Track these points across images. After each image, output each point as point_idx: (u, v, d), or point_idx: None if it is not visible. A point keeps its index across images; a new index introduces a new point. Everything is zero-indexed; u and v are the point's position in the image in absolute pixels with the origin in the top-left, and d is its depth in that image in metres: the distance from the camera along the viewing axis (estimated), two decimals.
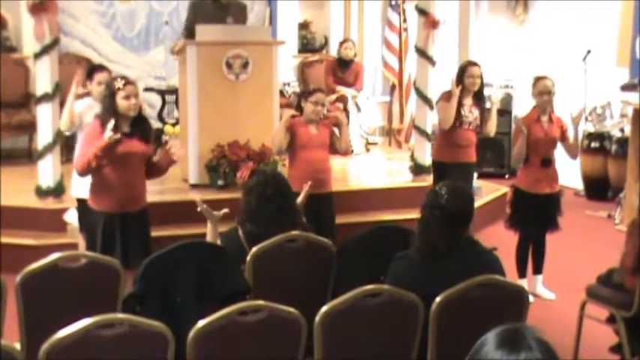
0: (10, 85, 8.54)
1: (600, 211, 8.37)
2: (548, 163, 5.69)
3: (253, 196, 4.06)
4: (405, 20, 9.85)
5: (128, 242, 4.68)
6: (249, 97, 6.84)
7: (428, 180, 7.04)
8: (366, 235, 4.14)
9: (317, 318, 3.09)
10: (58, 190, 6.42)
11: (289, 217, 4.11)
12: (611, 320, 4.54)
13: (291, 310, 3.06)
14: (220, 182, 6.66)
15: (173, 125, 8.98)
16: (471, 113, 6.09)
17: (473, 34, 7.96)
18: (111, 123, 4.49)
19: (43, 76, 6.38)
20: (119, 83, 4.63)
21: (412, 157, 7.58)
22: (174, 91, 8.69)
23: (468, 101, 6.10)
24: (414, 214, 3.65)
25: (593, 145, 8.85)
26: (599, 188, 8.89)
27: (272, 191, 4.06)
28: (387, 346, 3.28)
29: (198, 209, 4.33)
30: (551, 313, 5.51)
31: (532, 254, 5.87)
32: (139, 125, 4.70)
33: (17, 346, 3.23)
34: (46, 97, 6.34)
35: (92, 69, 5.70)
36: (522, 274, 5.82)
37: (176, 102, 8.66)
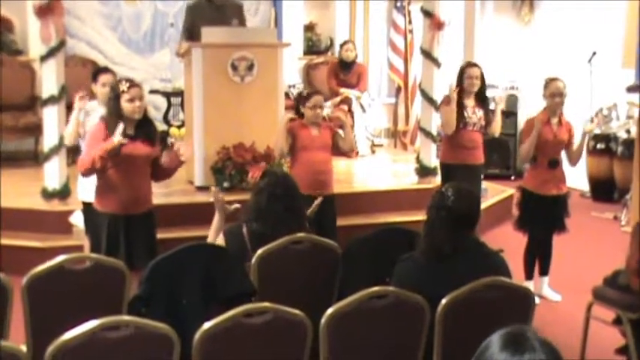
0: (17, 87, 8.56)
1: (606, 213, 8.35)
2: (555, 164, 5.68)
3: (263, 196, 4.06)
4: (410, 22, 9.87)
5: (133, 244, 4.68)
6: (255, 99, 6.84)
7: (433, 182, 7.05)
8: (371, 237, 4.14)
9: (322, 320, 3.09)
10: (64, 193, 6.43)
11: (296, 218, 4.12)
12: (617, 322, 4.53)
13: (297, 312, 3.06)
14: (226, 184, 6.66)
15: (178, 127, 8.98)
16: (475, 114, 6.07)
17: (478, 35, 7.94)
18: (120, 127, 4.49)
19: (49, 79, 6.40)
20: (124, 86, 4.63)
21: (418, 159, 7.57)
22: (179, 93, 8.69)
23: (471, 102, 6.09)
24: (420, 216, 3.64)
25: (599, 146, 8.84)
26: (605, 190, 8.88)
27: (282, 191, 4.07)
28: (392, 348, 3.28)
29: (211, 199, 4.35)
30: (558, 314, 5.50)
31: (539, 256, 5.86)
32: (143, 128, 4.70)
33: (23, 348, 3.23)
34: (52, 100, 6.36)
35: (96, 71, 5.71)
36: (529, 275, 5.80)
37: (181, 104, 8.67)
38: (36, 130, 8.12)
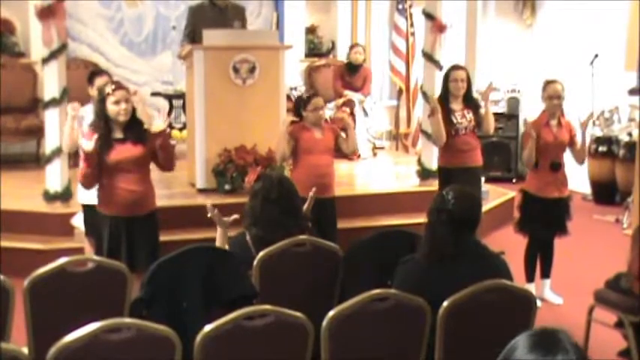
0: (18, 89, 8.58)
1: (608, 216, 8.35)
2: (557, 167, 5.67)
3: (258, 200, 4.07)
4: (412, 25, 9.87)
5: (134, 246, 4.68)
6: (256, 101, 6.84)
7: (435, 184, 7.01)
8: (372, 240, 4.13)
9: (324, 322, 3.09)
10: (66, 195, 6.44)
11: (294, 220, 4.11)
12: (619, 325, 4.52)
13: (298, 314, 3.06)
14: (227, 187, 6.66)
15: (180, 130, 9.00)
16: (464, 118, 5.96)
17: (480, 37, 7.94)
18: (92, 140, 4.50)
19: (50, 81, 6.41)
20: (109, 88, 4.63)
21: (419, 162, 7.58)
22: (181, 95, 8.71)
23: (458, 106, 5.98)
24: (421, 219, 3.64)
25: (600, 149, 8.84)
26: (606, 192, 8.88)
27: (276, 195, 4.05)
28: (394, 351, 3.28)
29: (209, 215, 4.34)
30: (559, 317, 5.49)
31: (540, 258, 5.85)
32: (132, 129, 4.67)
33: (25, 350, 3.24)
34: (53, 102, 6.37)
35: (92, 74, 5.71)
36: (530, 278, 5.80)
37: (183, 107, 8.68)
38: (38, 132, 8.13)
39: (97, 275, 3.72)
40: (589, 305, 4.70)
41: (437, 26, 7.31)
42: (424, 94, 7.48)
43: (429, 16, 7.36)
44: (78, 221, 5.83)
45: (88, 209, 5.22)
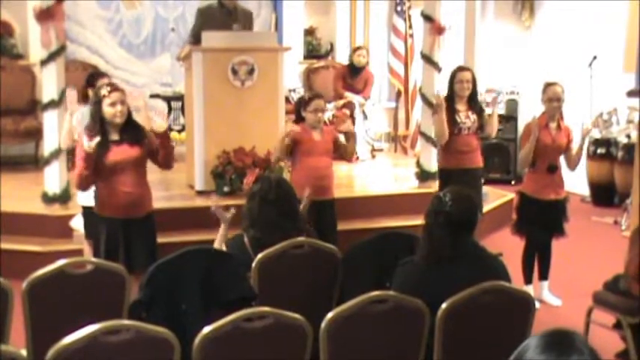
0: (17, 91, 8.58)
1: (606, 217, 8.35)
2: (554, 169, 5.68)
3: (256, 202, 4.07)
4: (410, 26, 9.88)
5: (131, 248, 4.67)
6: (255, 103, 6.84)
7: (434, 186, 7.04)
8: (371, 242, 4.13)
9: (323, 324, 3.09)
10: (64, 197, 6.44)
11: (292, 221, 4.11)
12: (617, 326, 4.53)
13: (297, 316, 3.06)
14: (226, 188, 6.66)
15: (179, 132, 8.99)
16: (468, 119, 6.04)
17: (478, 39, 7.95)
18: (94, 141, 4.50)
19: (49, 83, 6.40)
20: (104, 90, 4.62)
21: (418, 164, 7.57)
22: (180, 97, 8.71)
23: (463, 107, 6.05)
24: (420, 221, 3.64)
25: (599, 151, 8.84)
26: (605, 194, 8.88)
27: (274, 197, 4.06)
28: (392, 353, 3.28)
29: (212, 209, 4.35)
30: (558, 319, 5.49)
31: (538, 260, 5.86)
32: (128, 131, 4.66)
33: (23, 352, 3.24)
34: (52, 104, 6.37)
35: (91, 76, 5.71)
36: (528, 280, 5.80)
37: (182, 108, 8.68)
38: (36, 134, 8.14)
39: (96, 277, 3.71)
40: (587, 307, 4.70)
41: (435, 28, 7.31)
42: (423, 96, 7.49)
43: (428, 17, 7.36)
44: (76, 223, 5.83)
45: (88, 211, 5.21)
